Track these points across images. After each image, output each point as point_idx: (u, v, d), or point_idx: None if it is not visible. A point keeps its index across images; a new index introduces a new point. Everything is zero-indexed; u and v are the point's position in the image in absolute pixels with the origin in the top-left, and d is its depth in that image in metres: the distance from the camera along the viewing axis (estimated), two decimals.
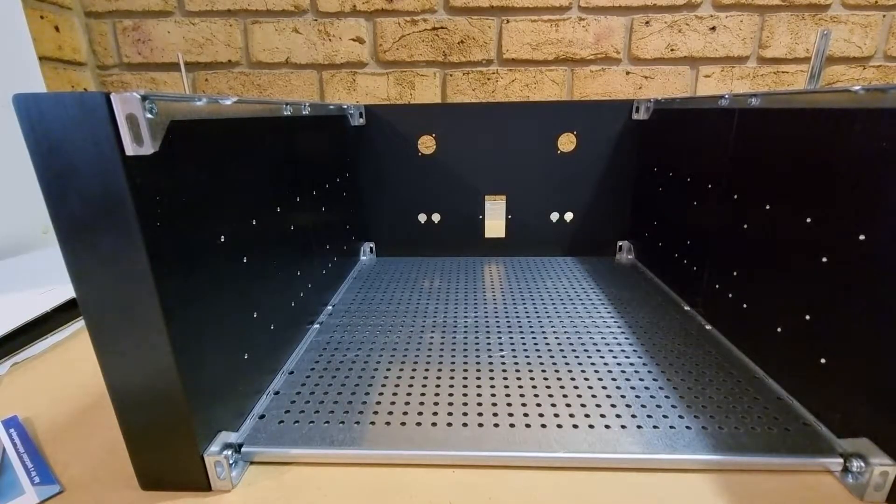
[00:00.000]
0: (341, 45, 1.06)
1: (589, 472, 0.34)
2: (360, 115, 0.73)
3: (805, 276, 0.38)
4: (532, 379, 0.44)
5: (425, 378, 0.44)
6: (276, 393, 0.42)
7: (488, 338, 0.52)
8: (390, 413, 0.39)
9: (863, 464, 0.31)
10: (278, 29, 1.05)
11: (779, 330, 0.42)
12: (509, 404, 0.40)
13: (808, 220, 0.38)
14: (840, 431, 0.35)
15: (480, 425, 0.37)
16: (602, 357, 0.47)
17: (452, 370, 0.45)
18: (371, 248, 0.81)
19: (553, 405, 0.40)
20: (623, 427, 0.37)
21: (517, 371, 0.45)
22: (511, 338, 0.52)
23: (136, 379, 0.29)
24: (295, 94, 1.09)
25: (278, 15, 1.04)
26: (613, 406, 0.39)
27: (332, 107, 0.64)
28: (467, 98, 1.09)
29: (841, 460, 0.33)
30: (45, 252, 0.83)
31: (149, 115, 0.25)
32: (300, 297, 0.51)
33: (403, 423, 0.38)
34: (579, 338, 0.51)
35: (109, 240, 0.26)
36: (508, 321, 0.56)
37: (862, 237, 0.33)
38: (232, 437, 0.34)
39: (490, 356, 0.48)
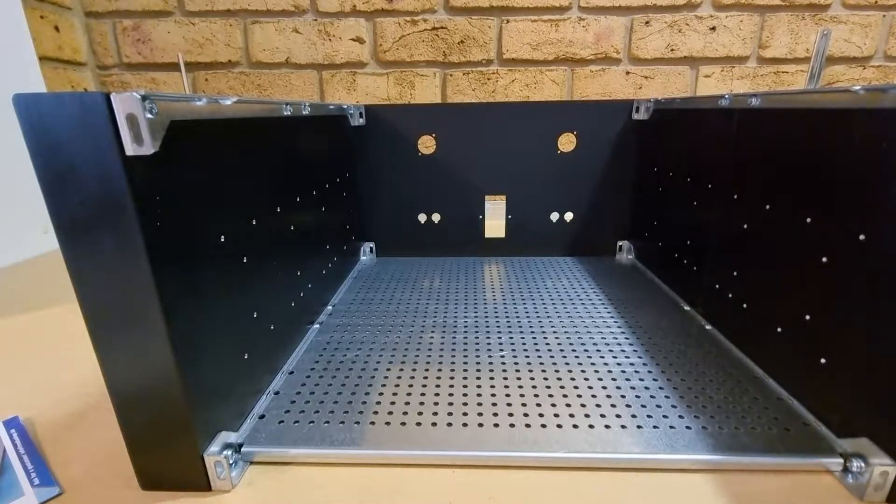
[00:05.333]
0: (341, 45, 1.06)
1: (589, 472, 0.34)
2: (360, 115, 0.73)
3: (805, 276, 0.38)
4: (532, 379, 0.43)
5: (425, 378, 0.44)
6: (276, 393, 0.42)
7: (488, 338, 0.52)
8: (390, 413, 0.39)
9: (863, 464, 0.31)
10: (278, 29, 1.05)
11: (779, 330, 0.42)
12: (509, 404, 0.40)
13: (808, 220, 0.38)
14: (840, 431, 0.35)
15: (480, 425, 0.37)
16: (602, 357, 0.47)
17: (452, 370, 0.45)
18: (371, 248, 0.81)
19: (553, 405, 0.40)
20: (623, 427, 0.37)
21: (517, 371, 0.45)
22: (511, 338, 0.52)
23: (136, 379, 0.29)
24: (295, 94, 1.09)
25: (278, 15, 1.04)
26: (613, 406, 0.39)
27: (332, 107, 0.64)
28: (467, 98, 1.09)
29: (841, 460, 0.33)
30: None
31: (149, 115, 0.25)
32: (300, 297, 0.51)
33: (403, 423, 0.38)
34: (579, 338, 0.51)
35: (109, 240, 0.26)
36: (508, 321, 0.56)
37: (862, 237, 0.33)
38: (232, 437, 0.34)
39: (490, 356, 0.48)
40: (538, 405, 0.40)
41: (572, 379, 0.43)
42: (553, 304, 0.61)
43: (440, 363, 0.47)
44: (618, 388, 0.42)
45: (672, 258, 0.64)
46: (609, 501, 0.31)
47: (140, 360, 0.28)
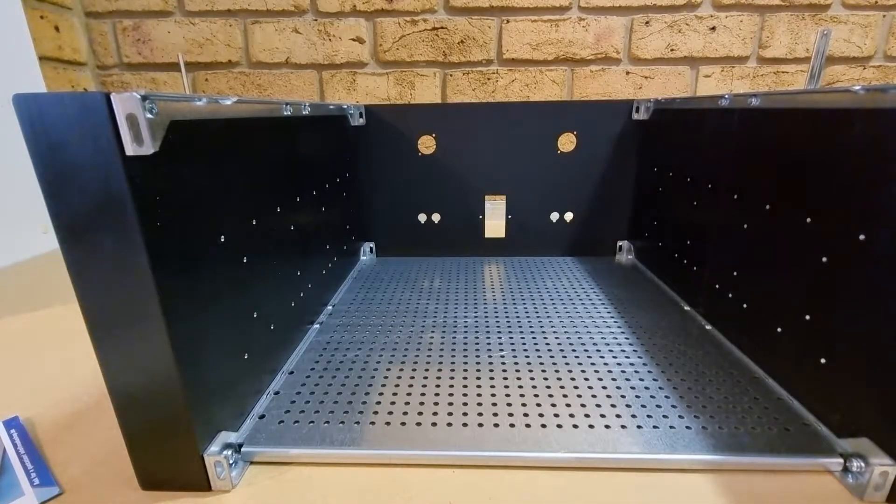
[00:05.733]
0: (341, 45, 1.06)
1: (589, 472, 0.34)
2: (360, 115, 0.73)
3: (805, 276, 0.38)
4: (532, 379, 0.43)
5: (425, 378, 0.44)
6: (276, 393, 0.42)
7: (488, 338, 0.52)
8: (390, 413, 0.39)
9: (863, 464, 0.31)
10: (278, 29, 1.05)
11: (779, 330, 0.42)
12: (509, 404, 0.40)
13: (808, 220, 0.38)
14: (840, 431, 0.35)
15: (480, 425, 0.37)
16: (602, 357, 0.47)
17: (452, 370, 0.45)
18: (371, 248, 0.81)
19: (553, 405, 0.40)
20: (623, 427, 0.37)
21: (517, 371, 0.45)
22: (511, 338, 0.52)
23: (136, 379, 0.29)
24: (295, 94, 1.09)
25: (278, 15, 1.04)
26: (613, 406, 0.39)
27: (332, 107, 0.64)
28: (467, 98, 1.09)
29: (841, 460, 0.33)
30: None
31: (149, 115, 0.25)
32: (300, 297, 0.51)
33: (403, 423, 0.38)
34: (579, 338, 0.51)
35: (109, 240, 0.26)
36: (508, 321, 0.56)
37: (862, 237, 0.33)
38: (232, 437, 0.34)
39: (490, 356, 0.48)
40: (538, 405, 0.40)
41: (572, 379, 0.43)
42: (553, 304, 0.61)
43: (440, 363, 0.47)
44: (618, 388, 0.42)
45: (672, 258, 0.64)
46: (609, 501, 0.31)
47: (140, 360, 0.28)
